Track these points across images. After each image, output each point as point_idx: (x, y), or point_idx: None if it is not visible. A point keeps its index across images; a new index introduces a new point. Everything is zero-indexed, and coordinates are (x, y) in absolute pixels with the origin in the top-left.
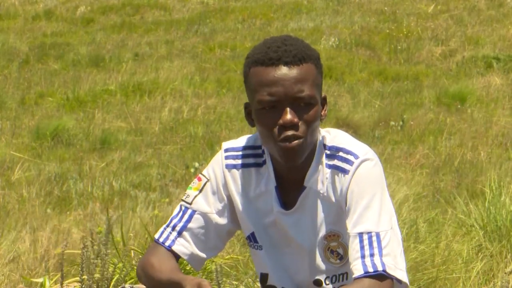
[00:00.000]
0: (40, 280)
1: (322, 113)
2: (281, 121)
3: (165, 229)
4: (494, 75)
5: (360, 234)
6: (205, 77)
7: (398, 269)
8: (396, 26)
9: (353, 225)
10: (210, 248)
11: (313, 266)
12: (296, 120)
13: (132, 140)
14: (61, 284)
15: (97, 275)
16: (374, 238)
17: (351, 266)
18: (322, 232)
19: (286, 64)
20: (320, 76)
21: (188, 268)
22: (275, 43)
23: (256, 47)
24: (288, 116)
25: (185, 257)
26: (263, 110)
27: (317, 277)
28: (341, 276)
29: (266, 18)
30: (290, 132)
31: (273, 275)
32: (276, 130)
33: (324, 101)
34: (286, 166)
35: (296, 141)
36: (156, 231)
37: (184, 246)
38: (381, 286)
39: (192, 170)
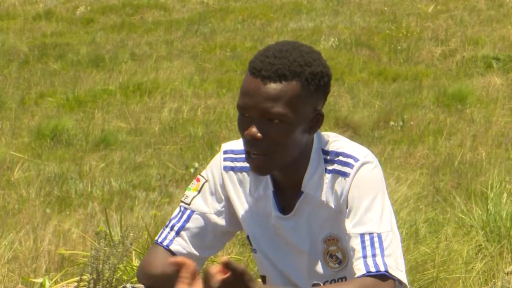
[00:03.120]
0: (40, 280)
1: (312, 129)
2: (245, 133)
3: (164, 229)
4: (494, 75)
5: (362, 235)
6: (205, 77)
7: (399, 270)
8: (396, 26)
9: (354, 226)
10: (208, 247)
11: (312, 270)
12: (259, 135)
13: (132, 140)
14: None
15: (96, 275)
16: (376, 239)
17: (353, 266)
18: (321, 236)
19: (263, 78)
20: (309, 94)
21: None
22: (269, 52)
23: (260, 50)
24: (252, 130)
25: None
26: (240, 115)
27: (315, 281)
28: (340, 280)
29: (266, 18)
30: (250, 147)
31: (273, 277)
32: (244, 138)
33: (319, 116)
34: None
35: (256, 157)
36: (156, 231)
37: (182, 246)
38: (383, 286)
39: (192, 170)
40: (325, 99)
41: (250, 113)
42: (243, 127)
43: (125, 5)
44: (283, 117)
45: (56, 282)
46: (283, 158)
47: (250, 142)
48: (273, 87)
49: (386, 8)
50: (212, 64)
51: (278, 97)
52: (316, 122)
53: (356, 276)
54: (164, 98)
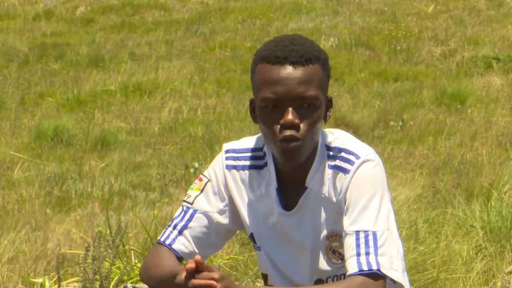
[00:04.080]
0: (40, 280)
1: (328, 115)
2: (282, 121)
3: (167, 229)
4: (494, 75)
5: (357, 232)
6: (205, 77)
7: (393, 269)
8: (396, 26)
9: (350, 223)
10: (211, 246)
11: (315, 267)
12: (297, 121)
13: (132, 140)
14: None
15: (96, 276)
16: (370, 237)
17: (345, 264)
18: (324, 232)
19: (292, 63)
20: (326, 78)
21: None
22: (283, 42)
23: (265, 44)
24: (290, 116)
25: (184, 256)
26: (265, 108)
27: (318, 278)
28: (342, 277)
29: (266, 18)
30: (289, 133)
31: (274, 276)
32: (277, 129)
33: (329, 103)
34: (286, 166)
35: (294, 143)
36: (155, 231)
37: (184, 245)
38: (373, 285)
39: (192, 170)
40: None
41: (283, 101)
42: (273, 118)
43: (125, 5)
44: (316, 100)
45: (56, 282)
46: (312, 144)
47: (288, 129)
48: (304, 71)
49: (386, 8)
50: (212, 64)
51: (310, 80)
52: (327, 108)
53: (348, 273)
54: (164, 98)
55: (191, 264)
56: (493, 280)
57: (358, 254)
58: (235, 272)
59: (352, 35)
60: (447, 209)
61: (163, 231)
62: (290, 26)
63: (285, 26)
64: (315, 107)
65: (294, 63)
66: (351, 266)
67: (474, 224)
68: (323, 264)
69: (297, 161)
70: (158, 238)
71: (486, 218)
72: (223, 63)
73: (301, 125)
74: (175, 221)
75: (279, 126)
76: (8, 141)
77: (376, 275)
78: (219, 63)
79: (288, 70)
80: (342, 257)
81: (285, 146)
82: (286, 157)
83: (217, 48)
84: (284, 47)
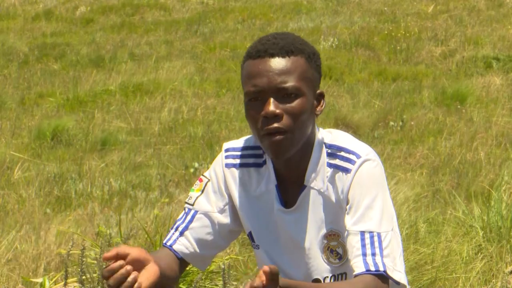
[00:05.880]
0: (40, 280)
1: (318, 109)
2: (263, 112)
3: (170, 231)
4: (493, 75)
5: (362, 233)
6: (205, 77)
7: (396, 270)
8: (396, 26)
9: (354, 223)
10: (213, 247)
11: (312, 266)
12: (278, 111)
13: (132, 140)
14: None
15: (95, 275)
16: (375, 238)
17: (351, 263)
18: (323, 231)
19: (271, 55)
20: (312, 71)
21: (188, 268)
22: (266, 37)
23: (253, 42)
24: (271, 107)
25: (185, 257)
26: (249, 103)
27: (316, 277)
28: (340, 276)
29: (266, 18)
30: (273, 125)
31: None
32: (260, 123)
33: (320, 97)
34: (276, 161)
35: (278, 136)
36: (155, 231)
37: (185, 246)
38: (381, 286)
39: (192, 170)
40: (319, 83)
41: (264, 94)
42: (256, 110)
43: (125, 5)
44: (298, 90)
45: (56, 282)
46: (300, 136)
47: (269, 121)
48: (283, 62)
49: (386, 8)
50: (212, 64)
51: (290, 71)
52: (318, 102)
53: (354, 273)
54: (164, 98)
55: (109, 253)
56: (493, 280)
57: (364, 254)
58: (235, 272)
59: (352, 35)
60: (447, 209)
61: (166, 234)
62: (290, 26)
63: (285, 26)
64: (297, 97)
65: (273, 55)
66: (358, 266)
67: (474, 224)
68: (321, 263)
69: (284, 154)
70: (163, 241)
71: (486, 218)
72: (223, 63)
73: (284, 116)
74: (177, 223)
75: (261, 119)
76: (8, 141)
77: (382, 276)
78: (219, 63)
79: (268, 62)
80: (339, 257)
81: (270, 140)
82: (272, 151)
83: (217, 48)
84: (266, 41)
